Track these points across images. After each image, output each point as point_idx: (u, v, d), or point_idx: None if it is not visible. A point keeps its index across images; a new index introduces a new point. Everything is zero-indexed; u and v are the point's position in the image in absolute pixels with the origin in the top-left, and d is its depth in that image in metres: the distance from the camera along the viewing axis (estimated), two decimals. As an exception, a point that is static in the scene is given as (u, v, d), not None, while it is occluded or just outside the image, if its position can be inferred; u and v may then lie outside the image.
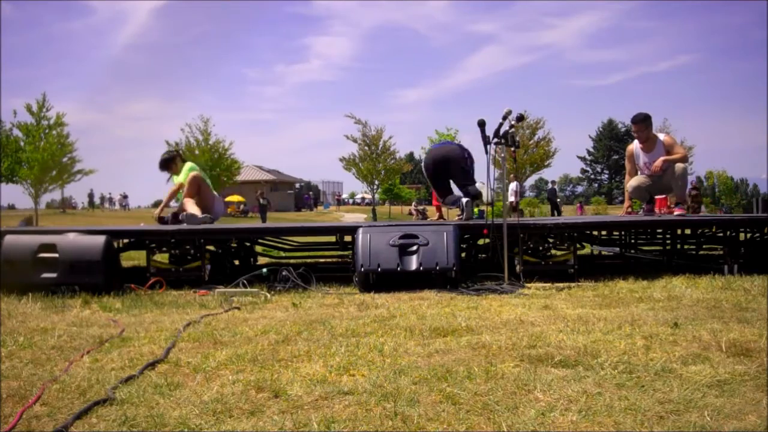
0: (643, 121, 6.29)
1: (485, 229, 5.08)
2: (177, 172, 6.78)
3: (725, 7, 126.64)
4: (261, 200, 30.88)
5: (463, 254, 5.59)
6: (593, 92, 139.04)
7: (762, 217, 6.03)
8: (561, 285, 4.73)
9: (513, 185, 25.19)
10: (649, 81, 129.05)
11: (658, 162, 6.13)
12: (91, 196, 48.32)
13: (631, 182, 6.48)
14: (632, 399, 1.99)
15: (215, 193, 6.94)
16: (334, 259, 6.90)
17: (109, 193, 50.70)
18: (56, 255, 4.54)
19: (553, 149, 34.92)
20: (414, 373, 2.33)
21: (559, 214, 24.56)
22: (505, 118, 5.15)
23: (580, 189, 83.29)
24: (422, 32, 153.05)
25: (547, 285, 4.77)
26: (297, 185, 59.07)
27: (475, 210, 6.58)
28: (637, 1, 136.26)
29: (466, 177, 6.37)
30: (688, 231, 6.43)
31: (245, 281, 4.83)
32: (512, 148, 5.01)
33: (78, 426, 1.86)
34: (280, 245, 6.69)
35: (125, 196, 50.12)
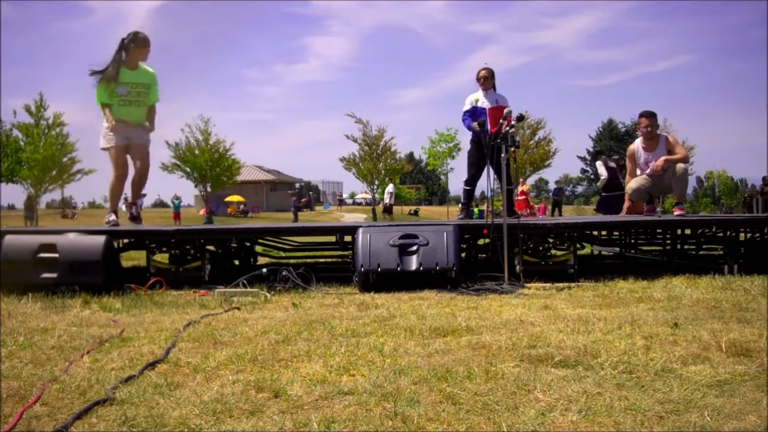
0: (653, 115, 6.32)
1: (485, 229, 5.08)
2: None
3: (725, 7, 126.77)
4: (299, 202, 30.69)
5: (463, 254, 5.58)
6: (593, 92, 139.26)
7: (762, 217, 6.02)
8: (561, 285, 4.72)
9: (389, 187, 25.50)
10: (649, 81, 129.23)
11: (659, 161, 6.12)
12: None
13: (631, 184, 6.47)
14: (632, 399, 1.99)
15: None
16: (334, 259, 6.90)
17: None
18: (56, 255, 4.53)
19: (553, 149, 34.96)
20: (414, 373, 2.32)
21: (560, 214, 24.58)
22: (504, 118, 5.16)
23: (580, 189, 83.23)
24: (421, 32, 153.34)
25: (547, 285, 4.77)
26: (297, 185, 59.07)
27: (475, 210, 6.62)
28: (636, 1, 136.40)
29: None
30: (688, 231, 6.43)
31: (245, 281, 4.82)
32: (512, 149, 5.01)
33: (78, 426, 1.86)
34: (280, 245, 6.69)
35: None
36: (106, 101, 5.74)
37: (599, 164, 10.20)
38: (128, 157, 6.05)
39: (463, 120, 6.84)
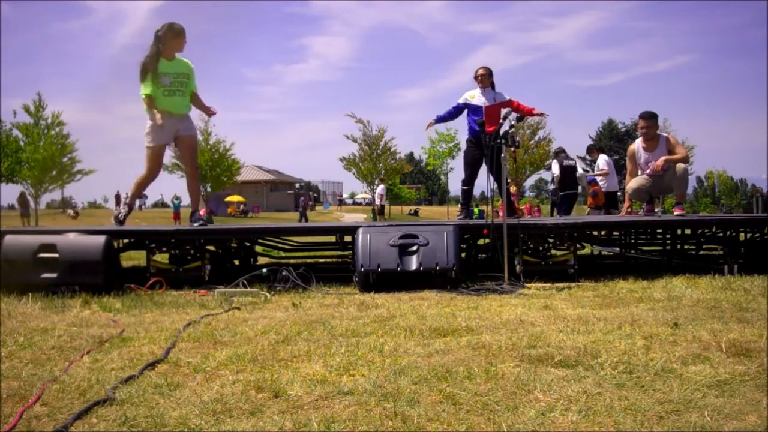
0: (652, 117, 6.32)
1: (485, 229, 5.08)
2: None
3: (724, 7, 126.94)
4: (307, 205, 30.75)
5: (463, 254, 5.58)
6: (593, 92, 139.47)
7: (762, 217, 6.02)
8: (561, 285, 4.72)
9: (380, 188, 25.40)
10: (649, 81, 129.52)
11: (660, 161, 6.12)
12: (117, 197, 48.58)
13: (631, 184, 6.47)
14: (632, 399, 1.99)
15: None
16: (334, 259, 6.90)
17: (125, 194, 50.76)
18: (56, 255, 4.53)
19: (554, 149, 34.91)
20: (414, 373, 2.32)
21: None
22: (504, 118, 5.17)
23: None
24: (421, 32, 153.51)
25: (547, 285, 4.77)
26: (297, 185, 59.07)
27: (476, 210, 6.64)
28: (637, 1, 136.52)
29: None
30: (688, 231, 6.43)
31: (245, 281, 4.82)
32: (512, 149, 5.01)
33: (78, 426, 1.86)
34: (280, 245, 6.69)
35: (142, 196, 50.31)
36: (150, 92, 5.53)
37: (554, 163, 10.40)
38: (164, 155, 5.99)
39: (451, 108, 6.88)
